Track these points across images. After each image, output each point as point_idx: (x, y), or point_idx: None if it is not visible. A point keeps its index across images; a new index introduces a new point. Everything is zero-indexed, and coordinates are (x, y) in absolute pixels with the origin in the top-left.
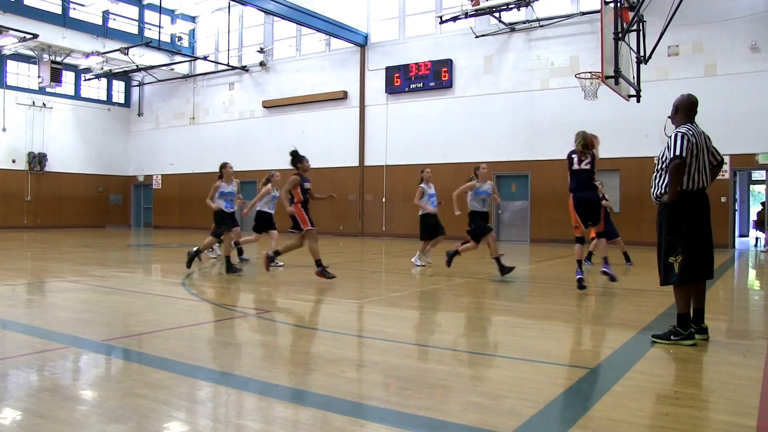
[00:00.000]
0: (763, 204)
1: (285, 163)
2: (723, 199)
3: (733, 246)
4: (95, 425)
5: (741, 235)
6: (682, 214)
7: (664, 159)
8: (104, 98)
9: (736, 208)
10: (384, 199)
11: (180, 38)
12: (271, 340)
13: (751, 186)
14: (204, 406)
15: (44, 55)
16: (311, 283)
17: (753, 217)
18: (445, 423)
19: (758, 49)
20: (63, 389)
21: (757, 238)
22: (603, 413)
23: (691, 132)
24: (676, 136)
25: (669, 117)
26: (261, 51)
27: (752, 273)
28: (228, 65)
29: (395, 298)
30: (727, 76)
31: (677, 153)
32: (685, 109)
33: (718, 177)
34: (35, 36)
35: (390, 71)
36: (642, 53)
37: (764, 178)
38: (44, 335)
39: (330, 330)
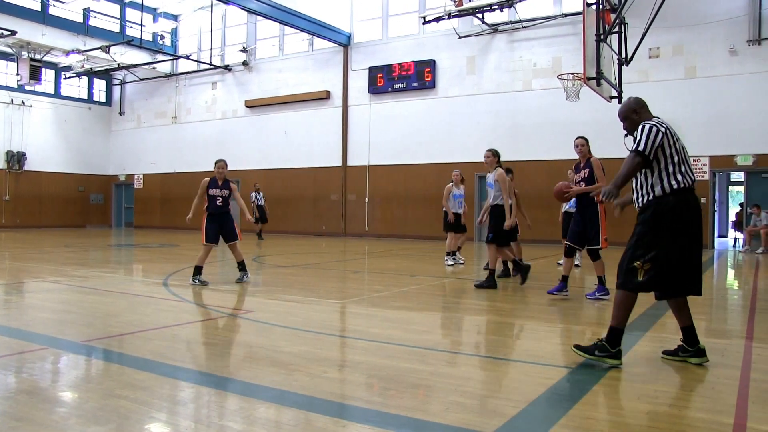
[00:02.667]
0: (741, 205)
1: (267, 163)
2: (702, 200)
3: (713, 246)
4: (75, 427)
5: (720, 236)
6: (668, 216)
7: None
8: (85, 97)
9: (716, 209)
10: (367, 199)
11: (162, 37)
12: (253, 341)
13: (730, 187)
14: (185, 407)
15: (23, 53)
16: (293, 283)
17: (732, 218)
18: (427, 423)
19: (736, 52)
20: (41, 391)
21: (735, 239)
22: (584, 412)
23: (659, 122)
24: (642, 128)
25: (626, 133)
26: (244, 50)
27: (731, 273)
28: (210, 64)
29: (378, 298)
30: (707, 79)
31: (638, 148)
32: (643, 107)
33: (698, 178)
34: (13, 33)
35: (373, 71)
36: (623, 55)
37: (743, 180)
38: (23, 336)
39: (312, 330)
